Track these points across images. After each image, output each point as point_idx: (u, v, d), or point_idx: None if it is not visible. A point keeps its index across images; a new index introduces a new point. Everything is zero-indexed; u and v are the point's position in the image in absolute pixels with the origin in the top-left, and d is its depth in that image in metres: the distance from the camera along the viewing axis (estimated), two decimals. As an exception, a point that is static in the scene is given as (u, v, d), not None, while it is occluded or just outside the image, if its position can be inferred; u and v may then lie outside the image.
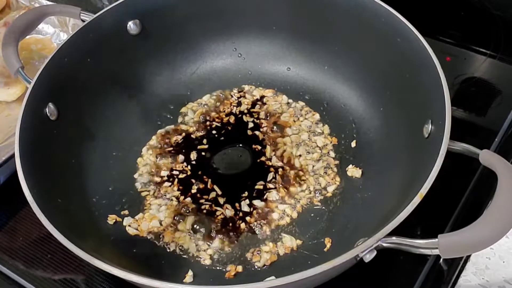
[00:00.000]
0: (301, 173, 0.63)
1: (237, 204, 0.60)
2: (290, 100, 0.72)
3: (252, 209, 0.60)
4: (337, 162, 0.64)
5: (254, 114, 0.70)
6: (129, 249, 0.57)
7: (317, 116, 0.69)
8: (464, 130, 0.60)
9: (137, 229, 0.59)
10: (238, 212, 0.60)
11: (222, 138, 0.68)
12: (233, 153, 0.67)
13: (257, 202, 0.60)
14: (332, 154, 0.65)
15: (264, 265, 0.56)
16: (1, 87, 0.72)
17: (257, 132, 0.68)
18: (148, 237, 0.59)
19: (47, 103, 0.59)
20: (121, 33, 0.68)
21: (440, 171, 0.46)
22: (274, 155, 0.65)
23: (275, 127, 0.68)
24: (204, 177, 0.64)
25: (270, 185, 0.62)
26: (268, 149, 0.66)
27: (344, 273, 0.50)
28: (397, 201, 0.50)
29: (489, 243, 0.42)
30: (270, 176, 0.63)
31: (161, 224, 0.59)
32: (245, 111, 0.71)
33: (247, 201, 0.61)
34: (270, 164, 0.64)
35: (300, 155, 0.65)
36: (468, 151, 0.50)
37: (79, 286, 0.56)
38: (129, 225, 0.60)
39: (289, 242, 0.57)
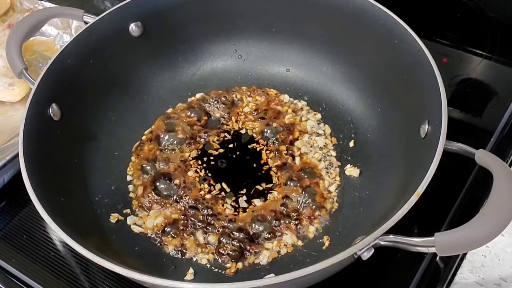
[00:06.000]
0: (304, 173, 0.63)
1: (234, 203, 0.61)
2: (291, 99, 0.72)
3: (249, 205, 0.61)
4: (338, 163, 0.65)
5: (255, 114, 0.71)
6: (131, 248, 0.58)
7: (318, 116, 0.70)
8: (460, 130, 0.61)
9: (141, 227, 0.60)
10: (237, 209, 0.61)
11: (224, 139, 0.69)
12: (235, 154, 0.67)
13: (256, 201, 0.61)
14: (333, 153, 0.66)
15: (265, 263, 0.56)
16: (5, 88, 0.73)
17: (258, 133, 0.69)
18: (150, 235, 0.59)
19: (51, 103, 0.60)
20: (123, 35, 0.69)
21: (436, 170, 0.47)
22: (277, 155, 0.66)
23: (278, 127, 0.69)
24: (209, 178, 0.64)
25: (271, 186, 0.63)
26: (264, 153, 0.66)
27: (343, 271, 0.50)
28: (394, 200, 0.51)
29: (485, 241, 0.42)
30: (272, 177, 0.64)
31: (164, 222, 0.60)
32: (246, 111, 0.72)
33: (245, 197, 0.62)
34: (272, 165, 0.65)
35: (302, 156, 0.65)
36: (464, 151, 0.50)
37: (82, 284, 0.57)
38: (134, 223, 0.60)
39: (289, 240, 0.58)
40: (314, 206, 0.60)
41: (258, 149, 0.67)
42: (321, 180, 0.63)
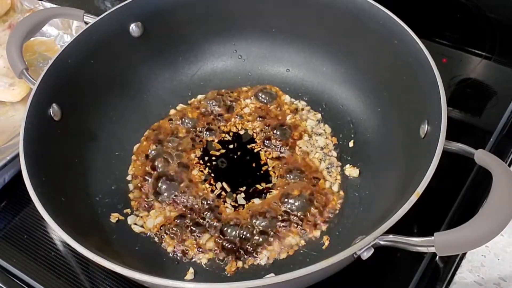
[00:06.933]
0: (305, 173, 0.63)
1: (234, 203, 0.61)
2: (292, 99, 0.73)
3: (248, 203, 0.61)
4: (339, 163, 0.65)
5: (256, 115, 0.71)
6: (131, 247, 0.58)
7: (318, 115, 0.70)
8: (459, 130, 0.61)
9: (142, 226, 0.60)
10: (237, 208, 0.61)
11: (224, 139, 0.69)
12: (235, 155, 0.68)
13: (256, 200, 0.61)
14: (334, 153, 0.66)
15: (265, 262, 0.57)
16: (6, 88, 0.73)
17: (259, 133, 0.69)
18: (151, 235, 0.60)
19: (51, 103, 0.60)
20: (124, 35, 0.69)
21: (436, 170, 0.47)
22: (278, 155, 0.66)
23: (278, 127, 0.69)
24: (210, 177, 0.65)
25: (270, 185, 0.63)
26: (263, 154, 0.66)
27: (343, 270, 0.50)
28: (394, 200, 0.51)
29: (485, 241, 0.43)
30: (272, 177, 0.64)
31: (165, 222, 0.60)
32: (246, 112, 0.72)
33: (243, 194, 0.62)
34: (271, 165, 0.65)
35: (303, 155, 0.65)
36: (464, 151, 0.50)
37: (83, 283, 0.57)
38: (135, 223, 0.61)
39: (293, 241, 0.58)
40: (317, 207, 0.60)
41: (255, 150, 0.67)
42: (323, 180, 0.63)
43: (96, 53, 0.66)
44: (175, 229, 0.59)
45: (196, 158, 0.67)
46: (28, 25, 0.68)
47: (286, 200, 0.60)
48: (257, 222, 0.59)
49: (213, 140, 0.69)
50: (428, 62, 0.56)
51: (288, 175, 0.63)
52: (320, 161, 0.65)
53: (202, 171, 0.65)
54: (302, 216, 0.59)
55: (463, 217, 0.45)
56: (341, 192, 0.62)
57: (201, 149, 0.68)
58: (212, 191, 0.63)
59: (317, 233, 0.58)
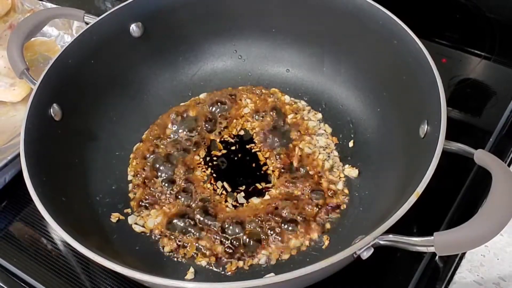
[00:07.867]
0: (307, 173, 0.63)
1: (234, 202, 0.62)
2: (293, 99, 0.73)
3: (247, 202, 0.61)
4: (341, 163, 0.65)
5: (256, 115, 0.71)
6: (131, 247, 0.58)
7: (319, 115, 0.70)
8: (459, 130, 0.61)
9: (143, 226, 0.60)
10: (237, 208, 0.61)
11: (224, 139, 0.69)
12: (235, 155, 0.68)
13: (255, 200, 0.62)
14: (336, 153, 0.66)
15: (265, 262, 0.57)
16: (6, 88, 0.73)
17: (258, 134, 0.69)
18: (151, 235, 0.60)
19: (52, 104, 0.60)
20: (124, 35, 0.69)
21: (436, 170, 0.47)
22: (279, 156, 0.66)
23: (279, 127, 0.69)
24: (210, 177, 0.65)
25: (271, 185, 0.63)
26: (261, 154, 0.66)
27: (343, 270, 0.50)
28: (393, 200, 0.51)
29: (484, 241, 0.43)
30: (272, 177, 0.64)
31: (165, 222, 0.60)
32: (246, 112, 0.72)
33: (243, 193, 0.62)
34: (271, 165, 0.65)
35: (304, 155, 0.65)
36: (463, 151, 0.51)
37: (83, 283, 0.57)
38: (136, 223, 0.61)
39: (297, 243, 0.58)
40: (319, 207, 0.60)
41: (253, 150, 0.67)
42: (325, 180, 0.63)
43: (96, 53, 0.66)
44: (175, 228, 0.59)
45: (200, 159, 0.67)
46: (29, 25, 0.68)
47: (286, 200, 0.60)
48: (258, 221, 0.59)
49: (214, 140, 0.69)
50: (427, 62, 0.56)
51: (287, 175, 0.63)
52: (323, 161, 0.65)
53: (204, 172, 0.65)
54: (303, 216, 0.59)
55: (463, 217, 0.46)
56: (346, 191, 0.62)
57: (205, 149, 0.68)
58: (214, 190, 0.63)
59: (317, 234, 0.58)
